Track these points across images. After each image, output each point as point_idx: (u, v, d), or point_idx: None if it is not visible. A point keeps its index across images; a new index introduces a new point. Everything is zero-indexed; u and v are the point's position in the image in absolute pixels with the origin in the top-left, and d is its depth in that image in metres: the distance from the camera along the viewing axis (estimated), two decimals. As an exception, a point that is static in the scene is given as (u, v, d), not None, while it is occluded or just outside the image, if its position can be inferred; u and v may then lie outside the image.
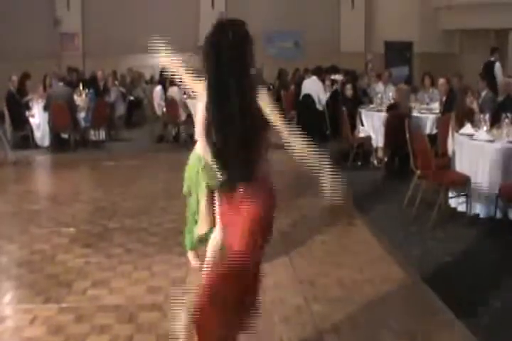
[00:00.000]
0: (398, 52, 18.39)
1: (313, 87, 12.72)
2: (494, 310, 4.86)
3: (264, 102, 3.37)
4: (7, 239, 6.68)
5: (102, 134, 13.26)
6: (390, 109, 9.90)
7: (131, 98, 15.87)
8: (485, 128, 7.42)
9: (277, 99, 13.35)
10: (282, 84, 16.05)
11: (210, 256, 4.64)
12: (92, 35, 19.05)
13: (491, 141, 7.12)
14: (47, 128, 12.39)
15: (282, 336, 4.36)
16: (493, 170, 6.90)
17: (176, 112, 12.84)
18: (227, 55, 3.26)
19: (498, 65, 13.65)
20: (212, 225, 4.92)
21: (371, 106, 11.31)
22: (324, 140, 11.51)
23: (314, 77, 12.92)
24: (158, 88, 13.86)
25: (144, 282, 5.40)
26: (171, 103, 12.92)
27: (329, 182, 3.36)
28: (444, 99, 10.36)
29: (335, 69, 14.80)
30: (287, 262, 5.84)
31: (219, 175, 3.48)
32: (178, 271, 5.63)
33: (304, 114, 12.93)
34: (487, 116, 7.68)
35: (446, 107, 9.83)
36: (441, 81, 10.66)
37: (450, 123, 8.33)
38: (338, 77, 13.58)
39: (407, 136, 7.95)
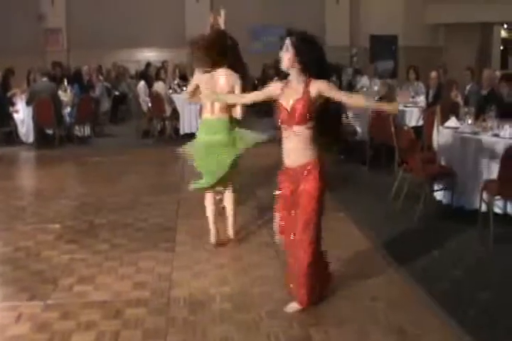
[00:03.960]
0: (383, 46, 18.42)
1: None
2: (481, 302, 4.88)
3: None
4: (-9, 235, 6.63)
5: (87, 130, 13.20)
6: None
7: (116, 93, 15.81)
8: (470, 121, 7.45)
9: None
10: (266, 78, 16.00)
11: None
12: (76, 31, 18.97)
13: (476, 134, 7.15)
14: (31, 124, 12.31)
15: (269, 330, 4.36)
16: (478, 162, 6.94)
17: (161, 107, 12.81)
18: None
19: None
20: None
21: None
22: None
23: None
24: (142, 84, 13.78)
25: (130, 278, 5.38)
26: (156, 98, 12.87)
27: None
28: (433, 92, 10.37)
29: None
30: (274, 256, 5.84)
31: None
32: (164, 267, 5.61)
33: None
34: (472, 109, 7.71)
35: (434, 100, 9.85)
36: (433, 74, 10.66)
37: (435, 117, 8.35)
38: None
39: (393, 129, 7.96)
